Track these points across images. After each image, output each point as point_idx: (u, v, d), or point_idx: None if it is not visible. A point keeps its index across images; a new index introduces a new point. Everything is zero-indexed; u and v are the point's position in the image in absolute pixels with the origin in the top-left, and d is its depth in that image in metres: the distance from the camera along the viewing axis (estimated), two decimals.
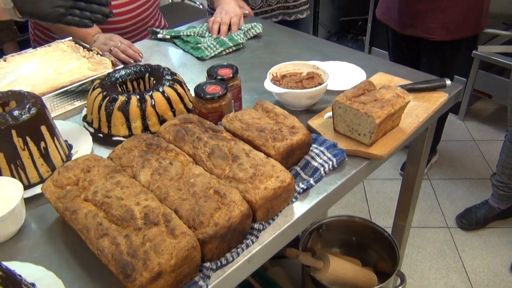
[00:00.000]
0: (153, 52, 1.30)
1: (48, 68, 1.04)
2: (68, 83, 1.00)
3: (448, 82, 1.07)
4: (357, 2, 2.89)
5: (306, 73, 1.05)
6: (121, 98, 0.87)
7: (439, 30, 1.72)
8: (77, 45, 1.16)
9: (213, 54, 1.28)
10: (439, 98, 1.04)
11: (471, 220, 1.91)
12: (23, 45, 1.95)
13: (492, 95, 2.40)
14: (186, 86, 0.98)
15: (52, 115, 0.97)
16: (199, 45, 1.30)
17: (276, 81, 1.03)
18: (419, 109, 1.00)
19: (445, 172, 2.20)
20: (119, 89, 0.94)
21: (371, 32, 2.71)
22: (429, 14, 1.70)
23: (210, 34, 1.37)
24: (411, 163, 1.23)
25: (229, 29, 1.38)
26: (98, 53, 1.13)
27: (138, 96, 0.87)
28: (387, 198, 2.08)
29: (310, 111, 1.02)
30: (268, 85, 0.99)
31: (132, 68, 0.98)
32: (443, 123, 2.12)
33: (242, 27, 1.39)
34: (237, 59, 1.26)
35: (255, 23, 1.41)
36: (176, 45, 1.35)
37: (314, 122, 0.96)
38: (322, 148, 0.85)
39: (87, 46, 1.16)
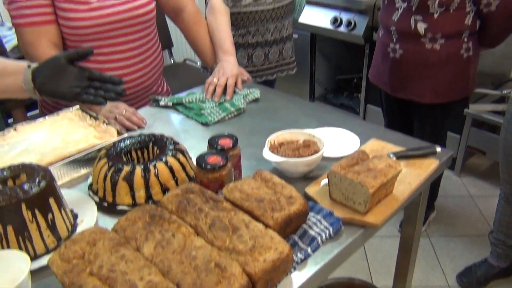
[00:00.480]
0: (156, 119, 1.36)
1: (56, 138, 1.09)
2: (75, 152, 1.04)
3: (438, 149, 1.12)
4: (352, 61, 3.00)
5: (303, 141, 1.10)
6: (126, 168, 0.91)
7: (429, 94, 1.80)
8: (84, 114, 1.22)
9: (216, 120, 1.34)
10: (430, 165, 1.08)
11: (472, 279, 1.90)
12: (30, 107, 2.02)
13: (486, 152, 2.45)
14: (188, 155, 1.03)
15: (59, 182, 1.01)
16: (202, 111, 1.37)
17: (274, 149, 1.07)
18: (411, 176, 1.04)
19: (444, 229, 2.21)
20: (124, 159, 0.98)
21: (366, 90, 2.81)
22: (418, 79, 1.79)
23: (212, 99, 1.43)
24: (407, 224, 1.26)
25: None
26: (104, 122, 1.18)
27: (142, 166, 0.92)
28: (387, 257, 2.08)
29: (307, 178, 1.06)
30: (266, 153, 1.04)
31: (137, 137, 1.03)
32: (439, 180, 2.16)
33: (241, 92, 1.45)
34: (238, 125, 1.32)
35: (253, 89, 1.49)
36: (179, 111, 1.41)
37: (311, 190, 1.00)
38: (319, 217, 0.88)
39: (94, 114, 1.22)
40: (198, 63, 2.84)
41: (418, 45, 1.73)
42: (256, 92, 1.47)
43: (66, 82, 0.93)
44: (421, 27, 1.69)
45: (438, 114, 1.89)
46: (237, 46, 1.77)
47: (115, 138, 1.11)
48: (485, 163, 2.64)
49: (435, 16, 1.66)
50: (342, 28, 2.59)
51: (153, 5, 1.42)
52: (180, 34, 2.50)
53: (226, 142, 0.98)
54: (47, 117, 1.20)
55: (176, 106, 1.43)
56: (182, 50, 3.00)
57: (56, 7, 1.29)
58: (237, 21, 1.76)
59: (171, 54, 2.92)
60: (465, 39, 1.72)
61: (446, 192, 2.43)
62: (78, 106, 1.26)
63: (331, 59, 3.10)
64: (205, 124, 1.33)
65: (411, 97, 1.84)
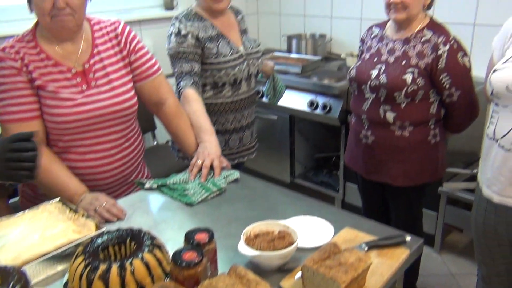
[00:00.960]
0: (135, 209, 1.38)
1: (34, 233, 1.10)
2: (52, 249, 1.05)
3: (408, 238, 1.16)
4: (330, 141, 3.11)
5: (278, 231, 1.12)
6: (102, 267, 0.92)
7: (401, 177, 1.87)
8: (64, 206, 1.24)
9: (200, 199, 1.39)
10: (401, 255, 1.12)
11: None
12: (12, 196, 2.01)
13: (463, 229, 2.50)
14: (165, 249, 1.04)
15: (34, 280, 1.00)
16: (186, 192, 1.42)
17: (249, 241, 1.10)
18: (383, 267, 1.07)
19: None
20: (101, 255, 0.98)
21: (344, 169, 2.88)
22: (390, 164, 1.87)
23: (195, 180, 1.48)
24: None
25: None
26: (83, 215, 1.20)
27: (118, 264, 0.92)
28: None
29: (283, 270, 1.07)
30: (242, 247, 1.06)
31: (114, 233, 1.04)
32: (419, 260, 2.16)
33: (222, 173, 1.52)
34: (217, 214, 1.35)
35: (233, 170, 1.56)
36: (163, 192, 1.45)
37: (286, 283, 1.02)
38: None
39: (73, 207, 1.24)
40: None
41: (388, 132, 1.83)
42: (235, 174, 1.53)
43: None
44: (390, 116, 1.80)
45: (412, 195, 1.95)
46: None
47: (93, 232, 1.12)
48: (463, 240, 2.67)
49: (402, 106, 1.77)
50: (319, 111, 2.71)
51: (135, 99, 1.48)
52: None
53: (202, 237, 1.00)
54: (27, 211, 1.21)
55: (161, 188, 1.47)
56: (165, 132, 3.06)
57: (42, 103, 1.35)
58: None
59: (154, 136, 2.99)
60: (432, 126, 1.82)
61: (427, 271, 2.42)
62: (58, 199, 1.27)
63: (310, 139, 3.21)
64: (189, 204, 1.38)
65: (385, 180, 1.91)
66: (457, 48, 1.71)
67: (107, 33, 1.47)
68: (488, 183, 1.43)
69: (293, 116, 2.99)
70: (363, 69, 1.86)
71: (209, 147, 1.55)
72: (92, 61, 1.41)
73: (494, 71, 1.36)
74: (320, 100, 2.72)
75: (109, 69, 1.43)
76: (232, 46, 1.86)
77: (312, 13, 3.36)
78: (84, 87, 1.38)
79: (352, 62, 2.88)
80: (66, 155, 1.41)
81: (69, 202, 1.30)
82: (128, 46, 1.48)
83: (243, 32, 1.99)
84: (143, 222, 1.30)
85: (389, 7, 1.74)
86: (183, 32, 1.77)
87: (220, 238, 1.07)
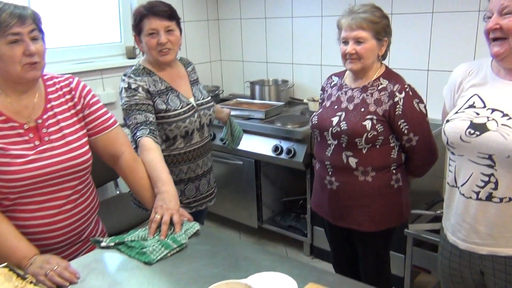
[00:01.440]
0: (90, 271, 1.29)
1: None
2: None
3: None
4: (297, 184, 3.09)
5: None
6: None
7: (367, 223, 1.86)
8: (11, 272, 1.14)
9: (159, 257, 1.32)
10: None
11: None
12: None
13: (430, 271, 2.48)
14: None
15: None
16: (144, 249, 1.34)
17: None
18: None
19: None
20: None
21: (311, 213, 2.86)
22: (356, 209, 1.86)
23: (153, 236, 1.41)
24: None
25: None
26: (31, 282, 1.11)
27: None
28: None
29: None
30: None
31: None
32: None
33: (183, 226, 1.45)
34: (175, 274, 1.27)
35: (193, 223, 1.49)
36: (121, 251, 1.37)
37: None
38: None
39: (21, 273, 1.14)
40: None
41: (352, 178, 1.82)
42: (195, 226, 1.47)
43: None
44: (353, 161, 1.80)
45: (378, 240, 1.93)
46: None
47: None
48: (432, 282, 2.65)
49: (364, 151, 1.78)
50: (283, 156, 2.71)
51: (89, 154, 1.44)
52: None
53: None
54: None
55: (118, 246, 1.39)
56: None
57: None
58: None
59: (116, 185, 2.90)
60: (394, 171, 1.83)
61: None
62: (5, 264, 1.18)
63: (276, 183, 3.19)
64: (147, 263, 1.30)
65: (351, 226, 1.89)
66: (412, 95, 1.75)
67: (61, 88, 1.44)
68: (452, 229, 1.43)
69: (258, 161, 2.97)
70: (324, 116, 1.87)
71: (168, 199, 1.47)
72: (45, 116, 1.37)
73: (447, 121, 1.38)
74: (284, 145, 2.73)
75: (62, 124, 1.40)
76: (182, 98, 1.88)
77: (274, 59, 3.42)
78: (37, 142, 1.34)
79: (314, 107, 2.92)
80: (12, 213, 1.33)
81: (17, 266, 1.20)
82: (82, 100, 1.46)
83: (194, 83, 2.01)
84: (98, 285, 1.22)
85: (344, 57, 1.79)
86: (133, 86, 1.78)
87: None
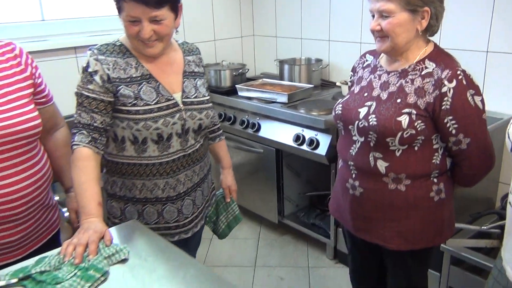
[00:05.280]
0: None
1: None
2: None
3: None
4: (323, 177, 2.70)
5: None
6: None
7: (396, 240, 1.47)
8: None
9: None
10: None
11: None
12: None
13: None
14: None
15: None
16: (59, 286, 1.02)
17: None
18: None
19: None
20: None
21: None
22: (383, 222, 1.47)
23: (67, 262, 1.11)
24: None
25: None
26: None
27: None
28: None
29: None
30: None
31: None
32: None
33: (106, 251, 1.16)
34: None
35: (122, 246, 1.18)
36: None
37: None
38: None
39: None
40: None
41: (380, 185, 1.43)
42: (124, 252, 1.17)
43: None
44: (381, 165, 1.40)
45: (410, 260, 1.54)
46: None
47: None
48: None
49: (397, 154, 1.38)
50: (305, 147, 2.33)
51: (39, 120, 1.33)
52: None
53: None
54: None
55: (23, 282, 1.06)
56: None
57: None
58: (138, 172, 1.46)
59: None
60: (435, 180, 1.42)
61: None
62: None
63: (301, 175, 2.81)
64: None
65: (376, 241, 1.51)
66: (466, 85, 1.31)
67: (2, 53, 1.32)
68: None
69: (280, 150, 2.60)
70: (350, 105, 1.47)
71: (87, 226, 1.24)
72: None
73: None
74: (307, 134, 2.33)
75: (7, 89, 1.29)
76: (162, 91, 1.40)
77: (309, 36, 3.01)
78: None
79: (348, 91, 2.49)
80: None
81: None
82: (30, 68, 1.37)
83: (190, 75, 1.50)
84: None
85: (374, 35, 1.40)
86: (90, 69, 1.35)
87: None
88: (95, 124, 1.35)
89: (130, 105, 1.36)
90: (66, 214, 1.61)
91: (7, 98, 1.28)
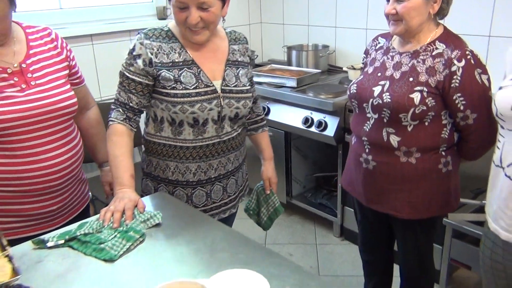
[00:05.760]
0: (35, 271, 1.06)
1: None
2: None
3: None
4: (331, 158, 2.79)
5: None
6: None
7: (407, 209, 1.57)
8: None
9: (122, 252, 1.11)
10: None
11: None
12: None
13: (471, 266, 2.16)
14: None
15: None
16: (102, 245, 1.12)
17: None
18: None
19: None
20: None
21: (342, 192, 2.57)
22: (395, 193, 1.57)
23: (107, 226, 1.21)
24: None
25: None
26: (6, 256, 1.03)
27: None
28: None
29: None
30: None
31: None
32: None
33: (141, 217, 1.25)
34: (134, 272, 1.07)
35: (155, 212, 1.28)
36: (73, 248, 1.15)
37: None
38: None
39: (5, 243, 1.06)
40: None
41: (392, 158, 1.52)
42: (158, 217, 1.26)
43: None
44: (394, 140, 1.49)
45: (419, 229, 1.64)
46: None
47: (7, 279, 0.95)
48: (472, 278, 2.33)
49: (409, 129, 1.47)
50: (313, 129, 2.42)
51: (75, 99, 1.43)
52: None
53: None
54: None
55: (69, 243, 1.16)
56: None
57: None
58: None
59: (141, 149, 2.70)
60: (443, 153, 1.51)
61: None
62: None
63: (308, 157, 2.91)
64: (109, 261, 1.08)
65: (388, 211, 1.61)
66: (474, 64, 1.40)
67: (41, 37, 1.42)
68: (494, 216, 1.22)
69: (289, 133, 2.68)
70: (365, 85, 1.56)
71: (121, 195, 1.32)
72: (28, 61, 1.35)
73: (500, 88, 1.18)
74: (315, 116, 2.43)
75: (47, 70, 1.39)
76: (202, 77, 1.42)
77: (316, 22, 3.07)
78: (24, 86, 1.32)
79: (354, 76, 2.59)
80: (4, 159, 1.31)
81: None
82: (65, 51, 1.47)
83: (233, 64, 1.50)
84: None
85: (388, 18, 1.47)
86: (135, 52, 1.39)
87: None
88: (130, 104, 1.42)
89: (169, 88, 1.39)
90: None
91: (48, 78, 1.37)
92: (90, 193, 1.66)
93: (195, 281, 0.89)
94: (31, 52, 1.37)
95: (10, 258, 1.02)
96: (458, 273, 2.35)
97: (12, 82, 1.31)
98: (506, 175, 1.15)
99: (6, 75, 1.30)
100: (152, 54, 1.39)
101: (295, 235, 2.77)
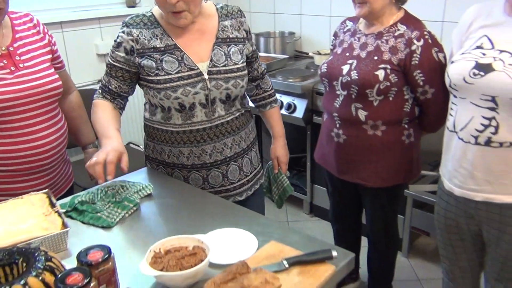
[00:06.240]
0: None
1: (2, 225, 1.04)
2: (8, 244, 0.96)
3: (334, 253, 0.98)
4: (299, 140, 2.89)
5: (192, 247, 0.97)
6: None
7: (374, 178, 1.68)
8: (47, 200, 1.15)
9: (118, 220, 1.17)
10: (324, 272, 0.95)
11: None
12: None
13: (429, 233, 2.33)
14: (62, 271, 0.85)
15: None
16: (99, 214, 1.17)
17: (158, 258, 0.94)
18: (303, 285, 0.91)
19: None
20: None
21: (311, 171, 2.68)
22: (363, 163, 1.67)
23: (99, 198, 1.25)
24: None
25: None
26: (57, 212, 1.11)
27: None
28: None
29: None
30: (143, 267, 0.90)
31: (5, 252, 0.86)
32: (394, 260, 1.99)
33: (133, 188, 1.31)
34: (131, 233, 1.15)
35: (147, 184, 1.34)
36: (72, 218, 1.20)
37: None
38: None
39: (54, 201, 1.15)
40: (141, 146, 2.63)
41: (360, 131, 1.63)
42: (149, 188, 1.33)
43: None
44: (362, 114, 1.59)
45: (385, 196, 1.76)
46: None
47: (56, 231, 1.03)
48: (432, 243, 2.51)
49: (375, 104, 1.58)
50: (283, 111, 2.51)
51: (60, 82, 1.46)
52: (124, 119, 2.27)
53: (95, 256, 0.83)
54: (10, 200, 1.16)
55: (69, 213, 1.21)
56: (126, 134, 2.82)
57: None
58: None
59: None
60: (406, 126, 1.64)
61: (395, 276, 2.23)
62: (45, 191, 1.21)
63: None
64: (106, 227, 1.15)
65: (357, 180, 1.72)
66: (432, 43, 1.52)
67: (24, 22, 1.45)
68: (449, 175, 1.34)
69: (259, 116, 2.75)
70: (334, 64, 1.65)
71: (108, 146, 1.25)
72: (15, 45, 1.37)
73: (452, 62, 1.28)
74: (285, 99, 2.52)
75: (33, 53, 1.41)
76: (186, 61, 1.37)
77: (281, 10, 3.15)
78: (13, 68, 1.34)
79: (319, 60, 2.69)
80: None
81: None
82: (47, 36, 1.49)
83: (223, 42, 1.43)
84: None
85: (354, 2, 1.57)
86: (118, 40, 1.39)
87: (135, 258, 0.98)
88: (110, 87, 1.42)
89: (153, 75, 1.36)
90: None
91: (34, 61, 1.40)
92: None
93: (192, 236, 0.97)
94: (17, 36, 1.39)
95: (59, 214, 1.10)
96: (418, 241, 2.53)
97: (1, 64, 1.32)
98: (459, 137, 1.27)
99: None
100: (133, 41, 1.37)
101: (268, 213, 2.79)
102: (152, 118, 1.48)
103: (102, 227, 1.15)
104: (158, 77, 1.35)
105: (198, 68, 1.37)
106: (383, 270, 1.99)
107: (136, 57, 1.37)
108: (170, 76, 1.35)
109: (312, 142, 2.53)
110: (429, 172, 2.26)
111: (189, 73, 1.36)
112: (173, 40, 1.38)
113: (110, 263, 0.85)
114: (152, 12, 1.42)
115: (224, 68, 1.40)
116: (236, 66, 1.42)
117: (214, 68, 1.39)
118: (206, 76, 1.38)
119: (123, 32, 1.38)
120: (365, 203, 1.84)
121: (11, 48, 1.36)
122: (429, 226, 2.31)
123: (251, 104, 1.65)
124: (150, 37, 1.37)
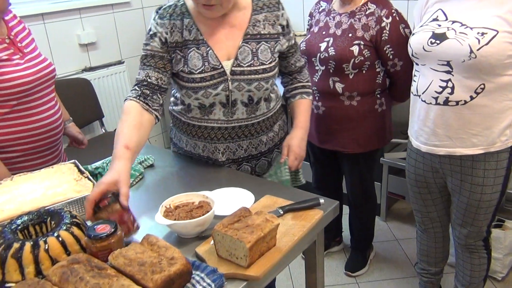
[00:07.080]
0: None
1: (39, 190, 1.10)
2: (48, 204, 1.02)
3: (321, 200, 1.09)
4: None
5: (198, 202, 1.04)
6: (16, 245, 0.82)
7: (352, 145, 1.77)
8: (75, 168, 1.21)
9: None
10: (314, 216, 1.05)
11: None
12: None
13: (404, 196, 2.44)
14: (85, 227, 0.94)
15: None
16: None
17: (169, 212, 1.02)
18: (296, 228, 1.01)
19: (372, 275, 2.11)
20: (20, 235, 0.87)
21: None
22: (342, 132, 1.76)
23: (108, 169, 1.26)
24: (310, 272, 1.21)
25: None
26: (87, 177, 1.16)
27: (32, 242, 0.82)
28: None
29: (201, 237, 1.01)
30: (158, 218, 0.99)
31: (34, 213, 0.93)
32: (373, 221, 2.10)
33: (137, 159, 1.38)
34: (143, 199, 1.24)
35: (149, 155, 1.43)
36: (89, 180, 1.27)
37: (201, 249, 0.95)
38: (202, 275, 0.86)
39: (82, 169, 1.20)
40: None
41: (338, 102, 1.71)
42: (151, 159, 1.42)
43: None
44: (339, 87, 1.67)
45: (363, 161, 1.85)
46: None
47: (87, 192, 1.07)
48: (407, 207, 2.62)
49: (350, 77, 1.65)
50: None
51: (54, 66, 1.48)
52: (112, 105, 2.18)
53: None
54: (43, 169, 1.20)
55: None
56: (113, 121, 2.82)
57: None
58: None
59: (102, 124, 2.73)
60: (378, 96, 1.72)
61: (374, 238, 2.34)
62: (73, 160, 1.26)
63: None
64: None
65: (337, 148, 1.80)
66: (399, 20, 1.60)
67: (14, 16, 1.45)
68: (415, 135, 1.44)
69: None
70: (312, 42, 1.72)
71: (110, 171, 1.09)
72: (12, 33, 1.39)
73: (413, 34, 1.39)
74: None
75: (26, 40, 1.43)
76: (210, 58, 1.24)
77: None
78: (21, 54, 1.37)
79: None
80: (12, 121, 1.35)
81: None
82: (27, 28, 1.49)
83: (253, 38, 1.27)
84: None
85: None
86: (151, 31, 1.25)
87: (153, 210, 1.04)
88: (149, 80, 1.23)
89: (178, 70, 1.27)
90: None
91: (31, 48, 1.42)
92: None
93: (197, 193, 1.06)
94: (10, 25, 1.41)
95: (89, 178, 1.16)
96: (395, 206, 2.63)
97: (12, 50, 1.34)
98: (422, 100, 1.37)
99: (6, 45, 1.34)
100: (167, 33, 1.24)
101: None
102: (174, 108, 1.41)
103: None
104: (182, 74, 1.26)
105: (221, 67, 1.24)
106: (364, 232, 2.10)
107: (170, 49, 1.26)
108: (192, 76, 1.24)
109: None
110: (402, 140, 2.35)
111: (212, 73, 1.24)
112: (201, 35, 1.25)
113: (118, 204, 0.96)
114: (183, 1, 1.29)
115: (248, 68, 1.25)
116: (262, 67, 1.27)
117: (238, 68, 1.25)
118: (229, 76, 1.25)
119: (157, 23, 1.25)
120: (345, 170, 1.92)
121: (11, 36, 1.38)
122: (404, 190, 2.41)
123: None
124: (181, 31, 1.25)
